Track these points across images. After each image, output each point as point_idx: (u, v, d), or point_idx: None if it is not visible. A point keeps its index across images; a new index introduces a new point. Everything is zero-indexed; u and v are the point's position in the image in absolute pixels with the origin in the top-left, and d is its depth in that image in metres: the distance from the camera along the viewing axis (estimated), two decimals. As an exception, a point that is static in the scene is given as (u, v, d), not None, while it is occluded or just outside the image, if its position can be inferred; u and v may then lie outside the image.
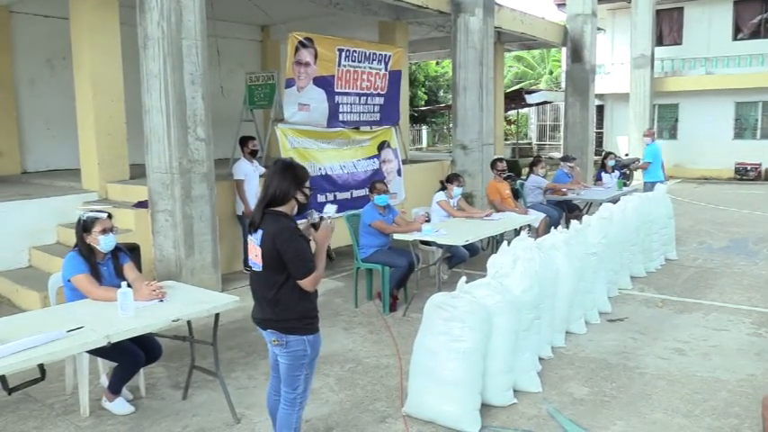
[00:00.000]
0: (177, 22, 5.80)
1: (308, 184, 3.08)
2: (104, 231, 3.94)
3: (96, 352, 3.67)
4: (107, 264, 4.03)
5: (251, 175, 7.44)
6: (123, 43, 7.75)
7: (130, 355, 3.85)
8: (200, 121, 6.06)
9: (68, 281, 3.92)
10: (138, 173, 7.42)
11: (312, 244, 3.04)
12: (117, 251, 4.10)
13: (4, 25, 9.46)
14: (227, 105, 10.14)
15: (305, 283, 2.96)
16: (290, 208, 3.03)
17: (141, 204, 6.78)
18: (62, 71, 9.63)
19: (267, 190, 3.02)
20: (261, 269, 3.01)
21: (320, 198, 8.56)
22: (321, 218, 3.12)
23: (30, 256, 6.98)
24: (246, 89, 9.18)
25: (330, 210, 3.20)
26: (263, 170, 7.74)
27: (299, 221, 3.07)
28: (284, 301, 2.98)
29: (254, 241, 3.01)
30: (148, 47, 5.85)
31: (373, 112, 9.66)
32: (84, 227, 3.95)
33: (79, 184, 7.98)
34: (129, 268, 4.08)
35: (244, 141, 7.76)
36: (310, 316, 3.06)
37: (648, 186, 11.24)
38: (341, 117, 9.00)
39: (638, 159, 12.83)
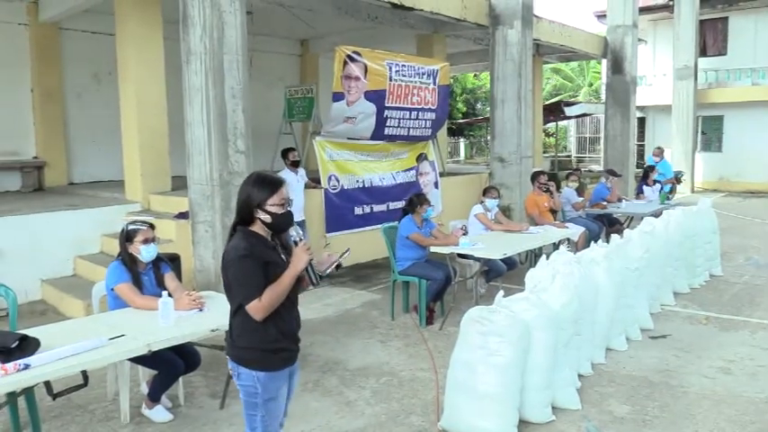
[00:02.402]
0: (219, 38, 5.92)
1: (274, 200, 2.64)
2: (146, 241, 4.03)
3: (137, 360, 3.75)
4: (148, 273, 4.12)
5: (294, 185, 7.56)
6: (166, 57, 7.96)
7: (170, 364, 3.90)
8: (241, 134, 6.15)
9: (111, 289, 4.02)
10: (179, 184, 7.57)
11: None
12: (158, 261, 4.18)
13: (54, 41, 9.82)
14: (266, 118, 10.28)
15: (248, 309, 2.60)
16: (259, 227, 2.69)
17: (182, 215, 6.90)
18: (108, 85, 9.90)
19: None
20: None
21: (357, 210, 8.61)
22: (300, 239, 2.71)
23: (74, 264, 7.17)
24: (285, 102, 9.32)
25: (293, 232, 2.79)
26: (307, 179, 7.95)
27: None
28: (238, 327, 2.68)
29: None
30: (191, 61, 5.97)
31: (425, 128, 9.59)
32: (127, 236, 4.05)
33: (122, 195, 8.18)
34: (169, 278, 4.16)
35: (285, 153, 7.96)
36: (264, 349, 2.67)
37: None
38: (386, 131, 8.96)
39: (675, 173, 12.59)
